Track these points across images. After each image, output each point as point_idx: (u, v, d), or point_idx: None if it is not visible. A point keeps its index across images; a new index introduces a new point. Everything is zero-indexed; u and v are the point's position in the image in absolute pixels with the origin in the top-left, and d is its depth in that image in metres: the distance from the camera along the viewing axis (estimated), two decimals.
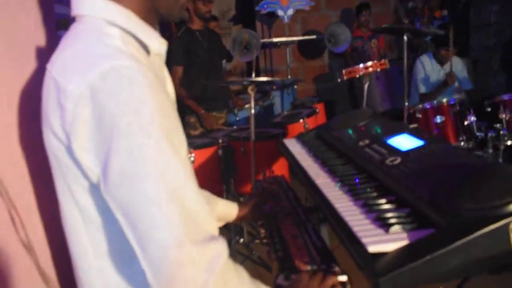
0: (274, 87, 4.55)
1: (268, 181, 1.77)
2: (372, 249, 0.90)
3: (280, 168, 2.61)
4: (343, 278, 1.10)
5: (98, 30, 0.81)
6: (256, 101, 2.76)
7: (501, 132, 2.70)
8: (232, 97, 3.61)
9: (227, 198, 2.79)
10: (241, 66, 6.04)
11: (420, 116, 2.83)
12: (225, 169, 2.68)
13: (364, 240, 0.92)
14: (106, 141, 0.71)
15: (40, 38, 1.40)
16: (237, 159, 2.69)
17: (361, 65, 2.56)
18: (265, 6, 5.20)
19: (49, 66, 0.82)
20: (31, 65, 1.32)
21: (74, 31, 0.84)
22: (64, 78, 0.75)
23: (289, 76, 5.34)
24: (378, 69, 2.55)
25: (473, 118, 2.79)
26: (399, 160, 1.24)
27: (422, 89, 3.73)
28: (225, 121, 3.56)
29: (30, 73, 1.30)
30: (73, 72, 0.74)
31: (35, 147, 1.21)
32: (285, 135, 2.76)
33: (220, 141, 2.60)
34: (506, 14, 4.67)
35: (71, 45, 0.80)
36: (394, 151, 1.31)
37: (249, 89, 2.25)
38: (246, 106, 3.66)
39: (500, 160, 2.75)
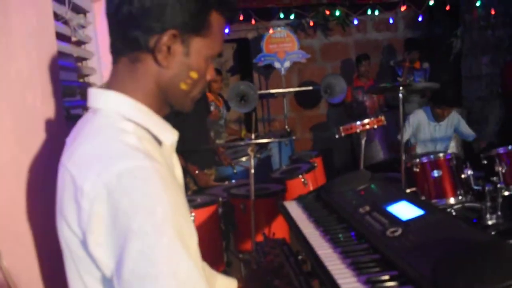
0: (272, 138, 4.61)
1: (269, 245, 1.77)
2: None
3: (279, 226, 2.60)
4: None
5: (114, 125, 0.84)
6: (250, 146, 2.77)
7: (498, 185, 2.72)
8: (218, 153, 3.62)
9: (227, 255, 2.77)
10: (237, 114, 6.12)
11: (417, 170, 2.86)
12: (224, 226, 2.68)
13: None
14: (121, 239, 0.74)
15: (46, 112, 1.44)
16: (236, 216, 2.69)
17: (358, 122, 2.62)
18: (262, 58, 5.35)
19: (64, 160, 0.84)
20: (37, 141, 1.36)
21: (90, 125, 0.87)
22: (81, 175, 0.78)
23: (286, 126, 5.42)
24: (375, 126, 2.61)
25: (469, 172, 2.83)
26: (400, 231, 1.25)
27: (412, 140, 3.86)
28: (219, 178, 3.58)
29: (36, 150, 1.34)
30: (90, 170, 0.77)
31: (42, 226, 1.23)
32: (284, 191, 2.77)
33: (220, 199, 2.61)
34: (497, 65, 4.83)
35: (88, 141, 0.83)
36: (395, 220, 1.33)
37: (249, 150, 2.29)
38: (243, 159, 3.68)
39: (499, 212, 2.76)
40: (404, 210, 1.38)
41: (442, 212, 1.29)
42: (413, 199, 1.45)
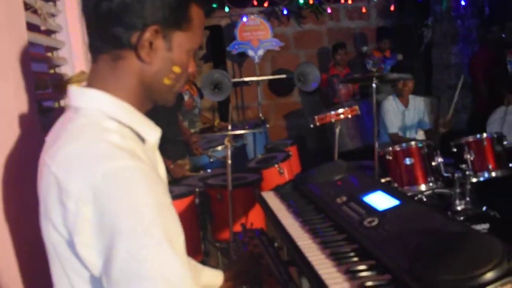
0: (247, 127, 4.62)
1: (248, 235, 1.79)
2: None
3: (256, 215, 2.63)
4: None
5: (97, 124, 0.83)
6: (227, 137, 2.76)
7: (467, 173, 2.81)
8: (190, 143, 3.59)
9: (205, 245, 2.78)
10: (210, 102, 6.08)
11: (390, 158, 2.92)
12: (201, 216, 2.68)
13: None
14: (108, 240, 0.73)
15: (19, 105, 1.40)
16: (213, 205, 2.70)
17: (333, 112, 2.65)
18: (236, 46, 5.32)
19: (47, 160, 0.82)
20: (10, 135, 1.33)
21: (72, 124, 0.85)
22: (66, 177, 0.77)
23: (260, 114, 5.42)
24: (349, 116, 2.65)
25: (440, 159, 2.91)
26: (376, 221, 1.29)
27: (390, 129, 3.92)
28: (195, 167, 3.56)
29: (9, 145, 1.30)
30: (75, 172, 0.76)
31: (18, 224, 1.20)
32: (260, 180, 2.79)
33: (196, 189, 2.60)
34: (466, 55, 4.96)
35: (71, 141, 0.81)
36: (371, 211, 1.36)
37: (226, 140, 2.30)
38: (219, 148, 3.67)
39: (468, 198, 2.86)
40: (380, 200, 1.42)
41: (416, 202, 1.33)
42: (388, 189, 1.49)
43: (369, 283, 1.04)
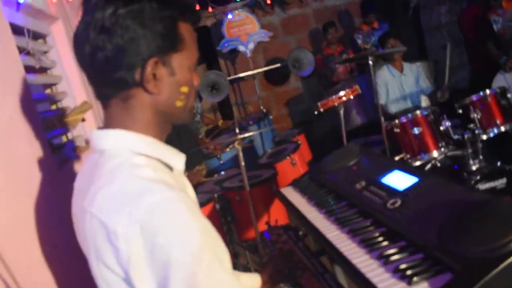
0: (251, 122, 4.64)
1: (275, 233, 1.81)
2: None
3: (279, 210, 2.66)
4: None
5: (127, 163, 0.85)
6: (236, 140, 2.78)
7: (476, 132, 2.83)
8: (209, 150, 3.60)
9: (232, 247, 2.82)
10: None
11: (398, 130, 2.94)
12: (224, 220, 2.72)
13: None
14: (163, 271, 0.76)
15: (34, 152, 1.44)
16: (234, 208, 2.73)
17: (334, 96, 2.66)
18: (226, 44, 5.31)
19: (86, 205, 0.84)
20: (32, 182, 1.37)
21: (102, 167, 0.87)
22: (110, 219, 0.79)
23: (262, 107, 5.43)
24: (351, 97, 2.66)
25: (447, 123, 2.92)
26: (399, 202, 1.31)
27: (383, 100, 3.92)
28: (207, 170, 3.59)
29: (33, 187, 1.34)
30: (119, 212, 0.78)
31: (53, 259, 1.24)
32: (275, 175, 2.82)
33: (215, 195, 2.64)
34: (454, 13, 4.91)
35: (106, 184, 0.83)
36: (392, 192, 1.38)
37: (236, 144, 2.32)
38: (228, 149, 3.70)
39: (481, 156, 2.88)
40: (399, 180, 1.44)
41: (434, 177, 1.34)
42: (404, 167, 1.51)
43: (403, 266, 1.06)
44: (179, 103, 0.94)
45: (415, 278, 1.00)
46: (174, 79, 0.91)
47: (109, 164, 0.86)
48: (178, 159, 0.97)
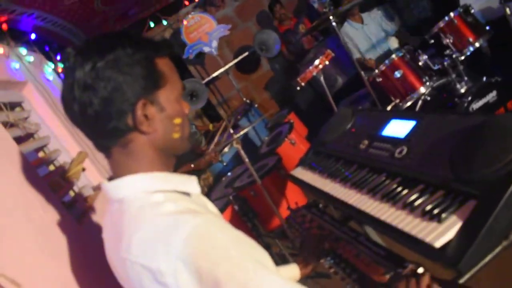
0: (239, 117, 4.66)
1: (299, 215, 1.86)
2: (438, 244, 1.01)
3: (295, 192, 2.70)
4: (420, 270, 1.20)
5: (147, 204, 0.89)
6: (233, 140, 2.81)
7: (454, 56, 2.87)
8: (211, 159, 3.63)
9: (262, 240, 2.87)
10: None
11: (380, 79, 2.98)
12: (246, 218, 2.76)
13: (428, 240, 1.03)
14: None
15: (50, 213, 1.47)
16: (251, 203, 2.77)
17: (311, 67, 2.68)
18: (190, 51, 5.29)
19: (123, 254, 0.87)
20: (57, 239, 1.40)
21: (126, 215, 0.90)
22: (151, 261, 0.82)
23: (244, 98, 5.44)
24: (327, 62, 2.69)
25: (424, 57, 2.96)
26: (405, 149, 1.35)
27: (356, 54, 3.96)
28: (213, 176, 3.63)
29: (60, 247, 1.37)
30: (156, 253, 0.82)
31: None
32: (280, 160, 2.85)
33: (230, 197, 2.68)
34: None
35: (137, 229, 0.86)
36: (396, 141, 1.42)
37: (235, 143, 2.35)
38: (226, 150, 3.73)
39: (465, 78, 2.93)
40: (398, 128, 1.48)
41: (430, 114, 1.38)
42: (400, 114, 1.55)
43: (429, 207, 1.11)
44: (176, 135, 0.97)
45: (443, 215, 1.05)
46: (165, 114, 0.94)
47: (131, 210, 0.89)
48: (191, 183, 1.01)
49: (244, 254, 0.83)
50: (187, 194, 0.98)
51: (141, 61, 0.90)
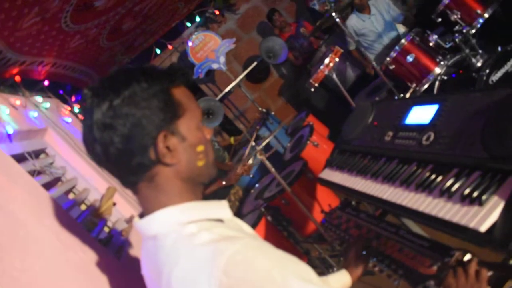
0: (258, 127, 4.66)
1: (334, 217, 1.82)
2: (483, 228, 0.97)
3: (325, 195, 2.67)
4: (467, 257, 1.16)
5: (182, 237, 0.87)
6: (257, 152, 2.80)
7: (464, 30, 2.81)
8: (231, 167, 3.64)
9: (300, 247, 2.84)
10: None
11: (393, 66, 2.93)
12: (281, 227, 2.74)
13: (472, 225, 0.99)
14: None
15: (89, 255, 1.48)
16: (284, 212, 2.75)
17: (322, 66, 2.66)
18: (199, 70, 5.34)
19: None
20: (99, 277, 1.41)
21: (162, 251, 0.89)
22: None
23: (260, 108, 5.45)
24: (337, 59, 2.66)
25: (434, 37, 2.90)
26: (432, 135, 1.32)
27: (350, 47, 3.93)
28: (242, 189, 3.62)
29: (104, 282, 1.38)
30: (200, 285, 0.80)
31: None
32: (306, 164, 2.83)
33: (262, 209, 2.66)
34: None
35: (174, 265, 0.85)
36: (421, 128, 1.39)
37: (258, 155, 2.35)
38: (250, 161, 3.72)
39: (480, 51, 2.85)
40: (421, 114, 1.44)
41: (452, 95, 1.34)
42: (420, 100, 1.52)
43: (467, 191, 1.07)
44: (200, 163, 0.95)
45: (484, 197, 1.01)
46: (187, 143, 0.93)
47: (166, 245, 0.88)
48: (222, 208, 0.99)
49: (287, 273, 0.80)
50: (220, 220, 0.97)
51: (157, 93, 0.89)
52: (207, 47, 5.33)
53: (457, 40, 2.85)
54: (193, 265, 0.82)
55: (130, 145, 0.87)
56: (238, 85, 5.42)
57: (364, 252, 1.46)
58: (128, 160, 0.89)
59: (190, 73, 1.01)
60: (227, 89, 5.36)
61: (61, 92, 3.07)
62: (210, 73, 5.68)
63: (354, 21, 4.05)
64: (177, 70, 0.97)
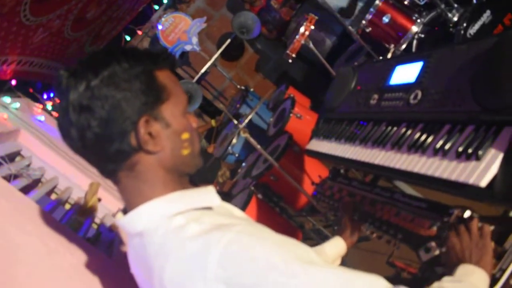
0: (238, 105, 4.59)
1: (326, 187, 1.79)
2: (483, 183, 0.94)
3: (314, 166, 2.64)
4: (467, 214, 1.13)
5: (170, 231, 0.81)
6: (240, 131, 2.72)
7: None
8: (215, 150, 3.58)
9: (294, 222, 2.82)
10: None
11: (370, 29, 2.87)
12: (273, 203, 2.71)
13: (471, 181, 0.96)
14: None
15: (76, 254, 1.42)
16: (274, 188, 2.71)
17: (297, 36, 2.59)
18: (173, 53, 5.20)
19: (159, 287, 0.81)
20: (89, 278, 1.36)
21: (150, 248, 0.83)
22: None
23: (238, 86, 5.36)
24: (312, 27, 2.59)
25: None
26: (419, 93, 1.27)
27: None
28: (231, 169, 3.58)
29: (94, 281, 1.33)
30: (193, 280, 0.75)
31: None
32: (291, 137, 2.78)
33: (252, 188, 2.62)
34: None
35: (166, 261, 0.79)
36: (407, 87, 1.34)
37: (242, 133, 2.28)
38: (234, 141, 3.67)
39: (455, 5, 2.81)
40: (406, 73, 1.40)
41: (436, 50, 1.30)
42: (403, 59, 1.47)
43: (461, 147, 1.03)
44: (185, 151, 0.89)
45: (480, 151, 0.97)
46: (171, 130, 0.86)
47: (154, 241, 0.82)
48: (210, 195, 0.92)
49: (286, 257, 0.75)
50: (209, 208, 0.90)
51: (140, 75, 0.82)
52: (177, 28, 5.19)
53: None
54: (185, 260, 0.76)
55: (109, 130, 0.80)
56: (213, 64, 5.31)
57: (355, 217, 1.43)
58: (106, 146, 0.81)
59: (174, 57, 0.94)
60: (203, 70, 5.24)
61: (31, 90, 2.94)
62: (184, 55, 5.54)
63: None
64: (162, 52, 0.89)
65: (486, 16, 2.72)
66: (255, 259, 0.73)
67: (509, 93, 0.94)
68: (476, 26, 2.70)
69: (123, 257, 1.72)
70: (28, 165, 2.10)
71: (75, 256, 1.40)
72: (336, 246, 1.38)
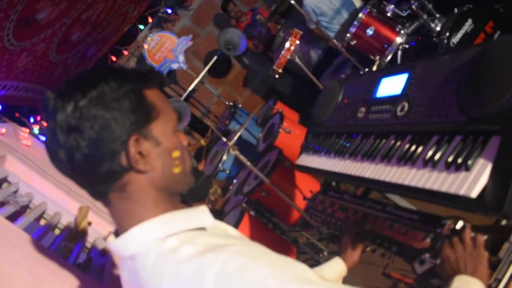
0: (227, 122, 4.59)
1: (317, 202, 1.78)
2: (474, 194, 0.94)
3: (306, 181, 2.63)
4: (459, 224, 1.13)
5: (163, 253, 0.79)
6: (229, 148, 2.72)
7: None
8: (205, 168, 3.57)
9: (288, 237, 2.80)
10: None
11: (355, 41, 2.90)
12: (265, 219, 2.69)
13: (462, 192, 0.96)
14: None
15: (67, 281, 1.39)
16: (266, 204, 2.70)
17: (283, 51, 2.60)
18: None
19: None
20: None
21: (143, 272, 0.80)
22: None
23: (226, 102, 5.37)
24: (298, 42, 2.60)
25: (391, 7, 2.89)
26: (406, 104, 1.28)
27: (310, 26, 3.87)
28: (222, 186, 3.56)
29: None
30: None
31: None
32: (281, 153, 2.78)
33: (244, 205, 2.60)
34: None
35: (158, 285, 0.77)
36: (393, 99, 1.35)
37: (231, 151, 2.27)
38: (224, 157, 3.66)
39: (437, 15, 2.85)
40: (391, 85, 1.40)
41: (420, 61, 1.31)
42: (389, 71, 1.48)
43: (451, 158, 1.03)
44: (176, 170, 0.87)
45: (469, 162, 0.97)
46: (162, 148, 0.84)
47: (147, 265, 0.80)
48: (203, 215, 0.90)
49: (283, 277, 0.73)
50: (202, 229, 0.89)
51: (129, 94, 0.81)
52: (164, 47, 5.20)
53: (413, 7, 2.83)
54: (180, 283, 0.74)
55: (98, 150, 0.78)
56: (201, 82, 5.32)
57: (357, 237, 1.42)
58: (96, 167, 0.79)
59: (163, 76, 0.93)
60: (190, 88, 5.25)
61: (17, 114, 2.91)
62: (171, 73, 5.55)
63: (310, 1, 3.99)
64: (150, 71, 0.88)
65: (468, 25, 2.76)
66: (251, 280, 0.72)
67: (493, 102, 0.95)
68: (459, 35, 2.74)
69: (115, 280, 1.70)
70: (15, 192, 2.06)
71: (66, 285, 1.37)
72: (337, 267, 1.37)
